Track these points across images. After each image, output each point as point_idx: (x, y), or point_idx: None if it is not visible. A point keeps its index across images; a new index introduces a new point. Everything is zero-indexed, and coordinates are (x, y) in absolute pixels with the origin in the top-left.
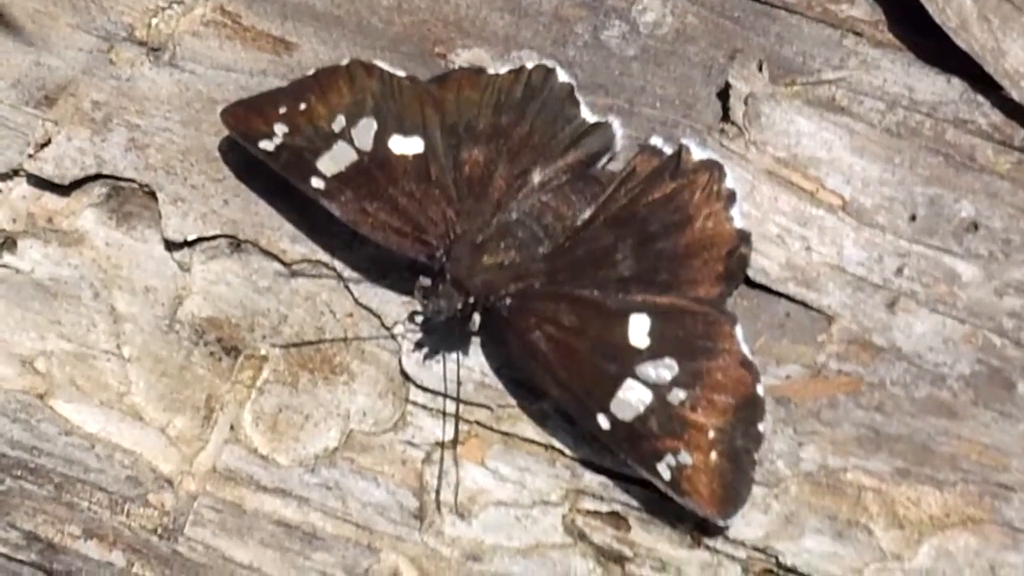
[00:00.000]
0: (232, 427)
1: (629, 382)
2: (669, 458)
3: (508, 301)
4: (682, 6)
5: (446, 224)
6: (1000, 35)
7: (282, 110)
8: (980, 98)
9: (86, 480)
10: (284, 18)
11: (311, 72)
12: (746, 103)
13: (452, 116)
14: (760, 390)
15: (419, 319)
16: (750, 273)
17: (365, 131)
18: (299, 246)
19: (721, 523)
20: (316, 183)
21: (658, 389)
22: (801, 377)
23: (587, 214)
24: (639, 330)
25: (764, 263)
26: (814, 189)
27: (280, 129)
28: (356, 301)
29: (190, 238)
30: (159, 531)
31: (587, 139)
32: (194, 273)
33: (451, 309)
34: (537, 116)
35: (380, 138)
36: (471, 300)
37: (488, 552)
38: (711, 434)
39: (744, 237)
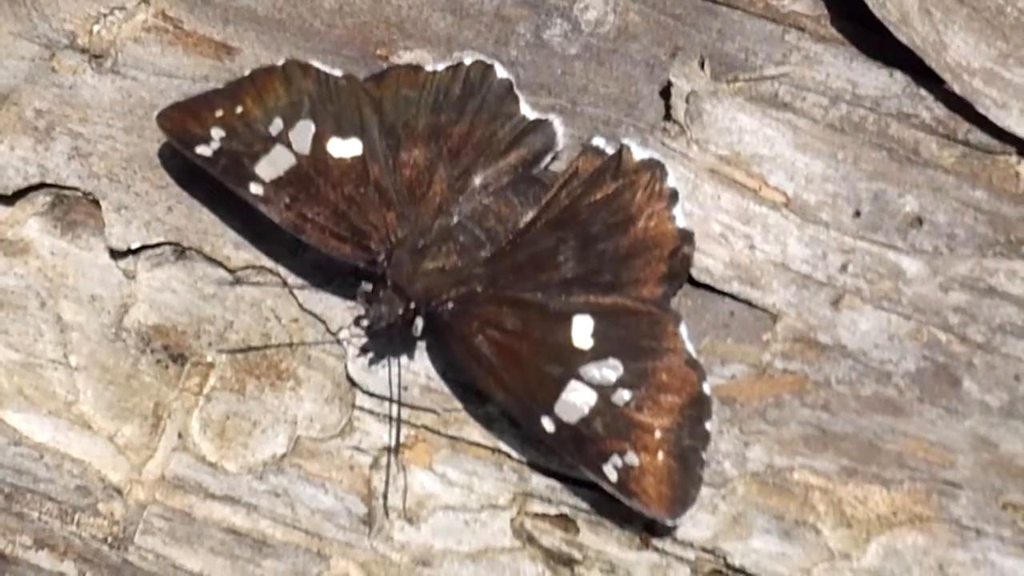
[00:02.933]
0: (180, 435)
1: (573, 384)
2: (615, 459)
3: (450, 306)
4: (624, 4)
5: (387, 229)
6: (941, 28)
7: (218, 113)
8: (923, 92)
9: (36, 490)
10: (226, 23)
11: (247, 73)
12: (687, 101)
13: (390, 116)
14: (707, 388)
15: (364, 324)
16: (694, 272)
17: (303, 134)
18: (243, 252)
19: (670, 523)
20: (255, 189)
21: (602, 390)
22: (746, 377)
23: (529, 216)
24: (582, 331)
25: (708, 262)
26: (757, 187)
27: (217, 133)
28: (301, 307)
29: (134, 246)
30: (109, 540)
31: (528, 137)
32: (139, 281)
33: (392, 315)
34: (476, 114)
35: (318, 141)
36: (412, 306)
37: (438, 557)
38: (657, 434)
39: (687, 236)
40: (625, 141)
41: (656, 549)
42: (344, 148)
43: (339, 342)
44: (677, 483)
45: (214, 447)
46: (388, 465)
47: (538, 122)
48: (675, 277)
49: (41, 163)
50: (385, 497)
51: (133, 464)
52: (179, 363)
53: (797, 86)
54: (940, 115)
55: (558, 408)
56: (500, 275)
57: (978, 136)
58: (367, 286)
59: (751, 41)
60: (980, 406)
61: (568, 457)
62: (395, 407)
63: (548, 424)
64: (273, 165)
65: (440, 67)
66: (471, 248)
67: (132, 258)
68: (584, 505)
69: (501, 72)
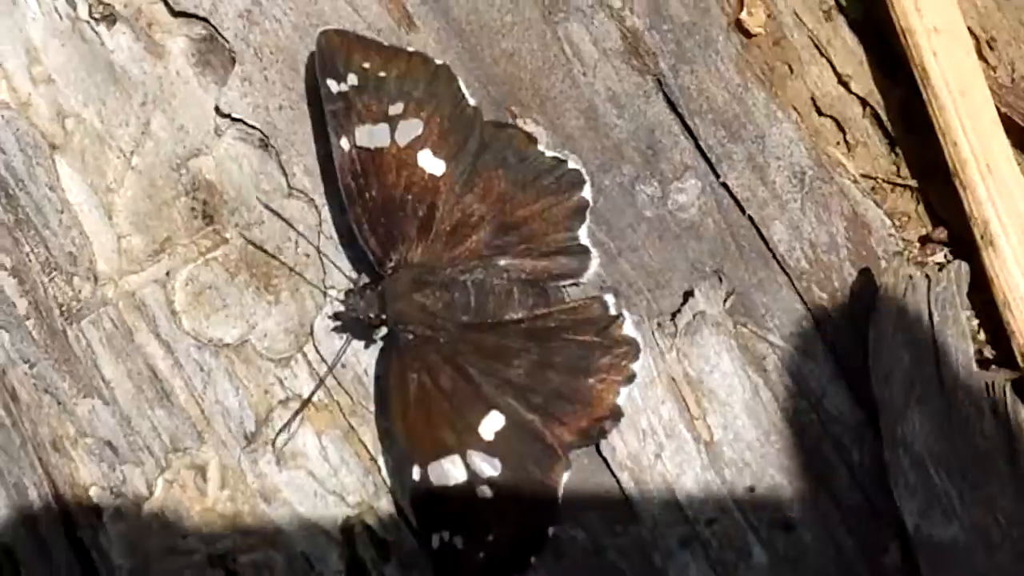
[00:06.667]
0: (168, 274)
1: (456, 458)
2: (445, 534)
3: (410, 337)
4: (711, 206)
5: (411, 247)
6: None
7: (366, 64)
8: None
9: (40, 232)
10: (424, 2)
11: (411, 49)
12: (694, 317)
13: (486, 161)
14: (551, 532)
15: (344, 305)
16: (602, 444)
17: (410, 130)
18: (309, 179)
19: None
20: (343, 144)
21: (475, 478)
22: None
23: (517, 315)
24: (491, 425)
25: (617, 444)
26: (697, 415)
27: (352, 79)
28: (319, 249)
29: (234, 116)
30: (63, 309)
31: (567, 258)
32: (222, 140)
33: (364, 314)
34: (546, 211)
35: (416, 143)
36: (384, 317)
37: (278, 502)
38: (490, 538)
39: (617, 414)
40: (625, 313)
41: None
42: (431, 163)
43: (325, 295)
44: None
45: (186, 301)
46: (294, 412)
47: (583, 250)
48: (588, 437)
49: (215, 3)
50: (276, 432)
51: (120, 269)
52: (205, 221)
53: (784, 364)
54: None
55: (432, 467)
56: (462, 342)
57: None
58: (365, 279)
59: (778, 307)
60: None
61: (412, 505)
62: (327, 373)
63: (415, 472)
64: (370, 137)
65: (549, 153)
66: (458, 308)
67: (228, 122)
68: (407, 548)
69: (587, 193)
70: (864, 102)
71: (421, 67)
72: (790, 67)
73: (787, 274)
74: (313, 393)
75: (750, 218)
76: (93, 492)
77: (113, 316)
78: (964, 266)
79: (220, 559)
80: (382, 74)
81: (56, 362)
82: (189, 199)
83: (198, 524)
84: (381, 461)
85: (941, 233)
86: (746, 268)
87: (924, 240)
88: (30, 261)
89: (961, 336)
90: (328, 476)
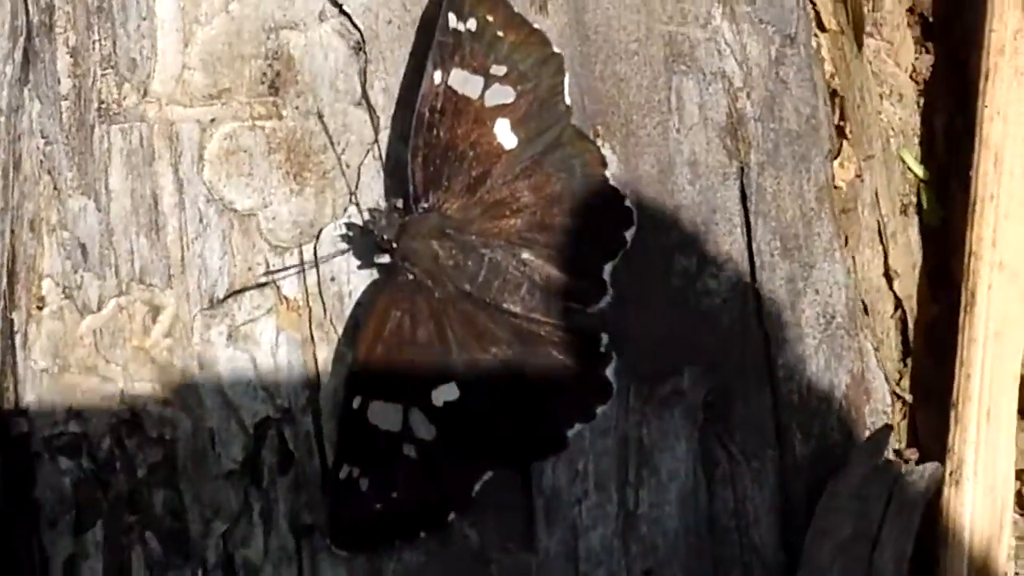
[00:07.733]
0: (212, 121)
1: (399, 408)
2: (355, 471)
3: (410, 276)
4: (734, 304)
5: (451, 198)
6: None
7: (490, 17)
8: None
9: (115, 28)
10: None
11: (535, 25)
12: (672, 394)
13: (552, 160)
14: (450, 519)
15: (364, 215)
16: (532, 465)
17: (501, 95)
18: (383, 97)
19: (331, 546)
20: (436, 76)
21: (408, 435)
22: None
23: (515, 309)
24: (444, 395)
25: (547, 472)
26: (632, 483)
27: (471, 23)
28: (358, 164)
29: (344, 9)
30: (102, 106)
31: (583, 284)
32: (321, 26)
33: (378, 233)
34: (585, 231)
35: (501, 109)
36: (394, 246)
37: (212, 374)
38: (394, 495)
39: (561, 445)
40: (614, 356)
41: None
42: (505, 134)
43: (351, 206)
44: (365, 529)
45: (216, 153)
46: (266, 306)
47: (601, 284)
48: (524, 454)
49: None
50: (238, 307)
51: (171, 95)
52: (270, 91)
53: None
54: None
55: (373, 405)
56: (453, 307)
57: None
58: (397, 203)
59: (751, 424)
60: None
61: (338, 428)
62: (315, 277)
63: (356, 401)
64: (463, 83)
65: (613, 183)
66: (465, 275)
67: (337, 12)
68: (308, 472)
69: (629, 235)
70: (899, 304)
71: (539, 46)
72: (846, 238)
73: (775, 400)
74: (284, 269)
75: (764, 332)
76: (46, 284)
77: (144, 134)
78: (941, 470)
79: (132, 398)
80: (500, 33)
81: (72, 151)
82: (265, 64)
83: (128, 358)
84: (324, 382)
85: (913, 454)
86: (739, 375)
87: (895, 454)
88: (92, 49)
89: (907, 533)
90: (268, 372)
